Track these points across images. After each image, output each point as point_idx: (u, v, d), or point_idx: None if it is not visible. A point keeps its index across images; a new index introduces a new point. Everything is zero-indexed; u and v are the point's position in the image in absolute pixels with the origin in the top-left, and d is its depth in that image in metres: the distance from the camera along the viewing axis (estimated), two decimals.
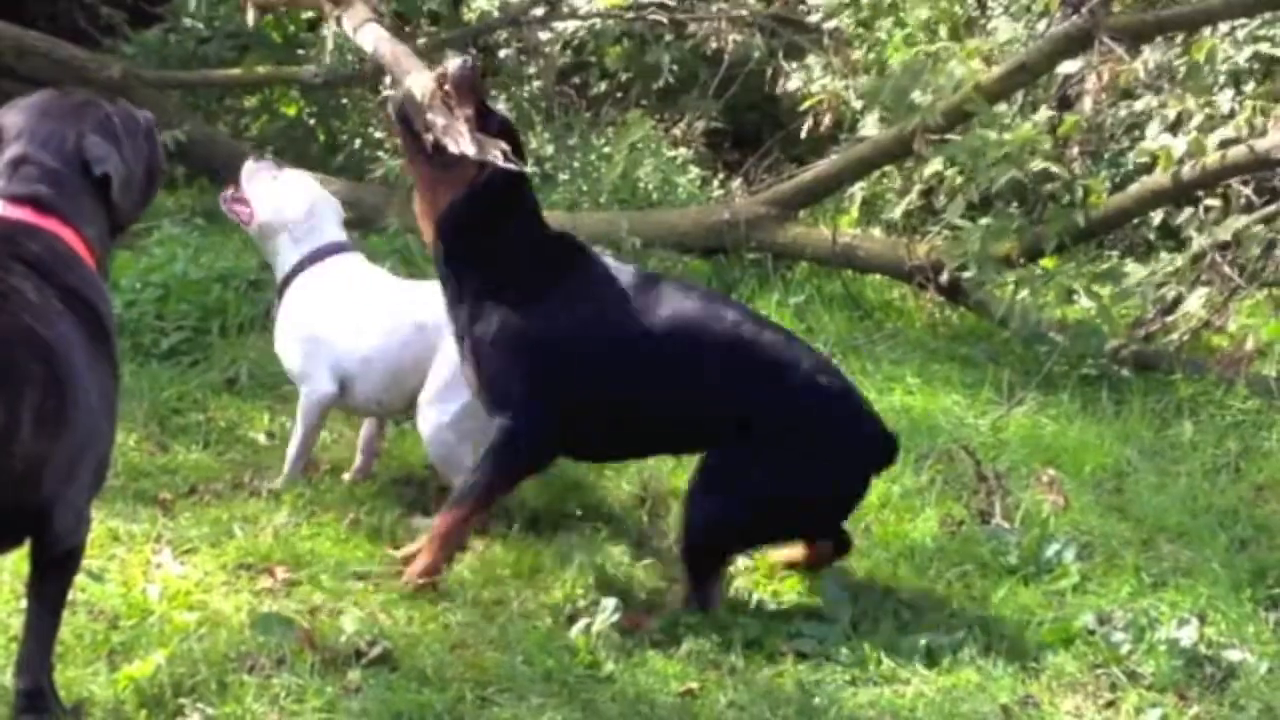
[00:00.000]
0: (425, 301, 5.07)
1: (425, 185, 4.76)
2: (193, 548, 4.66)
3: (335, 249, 5.36)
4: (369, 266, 5.47)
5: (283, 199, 5.35)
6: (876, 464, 4.80)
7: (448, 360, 4.93)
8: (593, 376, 4.65)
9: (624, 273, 4.78)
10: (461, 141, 4.50)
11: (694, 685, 4.14)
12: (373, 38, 4.76)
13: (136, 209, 3.96)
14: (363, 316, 5.16)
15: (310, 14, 9.06)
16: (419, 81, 4.56)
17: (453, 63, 4.78)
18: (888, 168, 8.33)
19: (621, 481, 5.39)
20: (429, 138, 4.60)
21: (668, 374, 4.63)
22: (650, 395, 4.64)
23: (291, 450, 5.17)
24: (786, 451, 4.57)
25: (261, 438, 5.57)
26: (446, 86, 4.69)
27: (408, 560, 4.64)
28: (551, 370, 4.63)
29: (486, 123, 4.68)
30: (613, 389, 4.64)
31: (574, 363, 4.64)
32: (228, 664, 3.95)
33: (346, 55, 8.88)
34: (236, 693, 3.85)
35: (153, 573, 4.47)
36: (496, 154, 4.51)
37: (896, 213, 7.69)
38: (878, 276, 8.07)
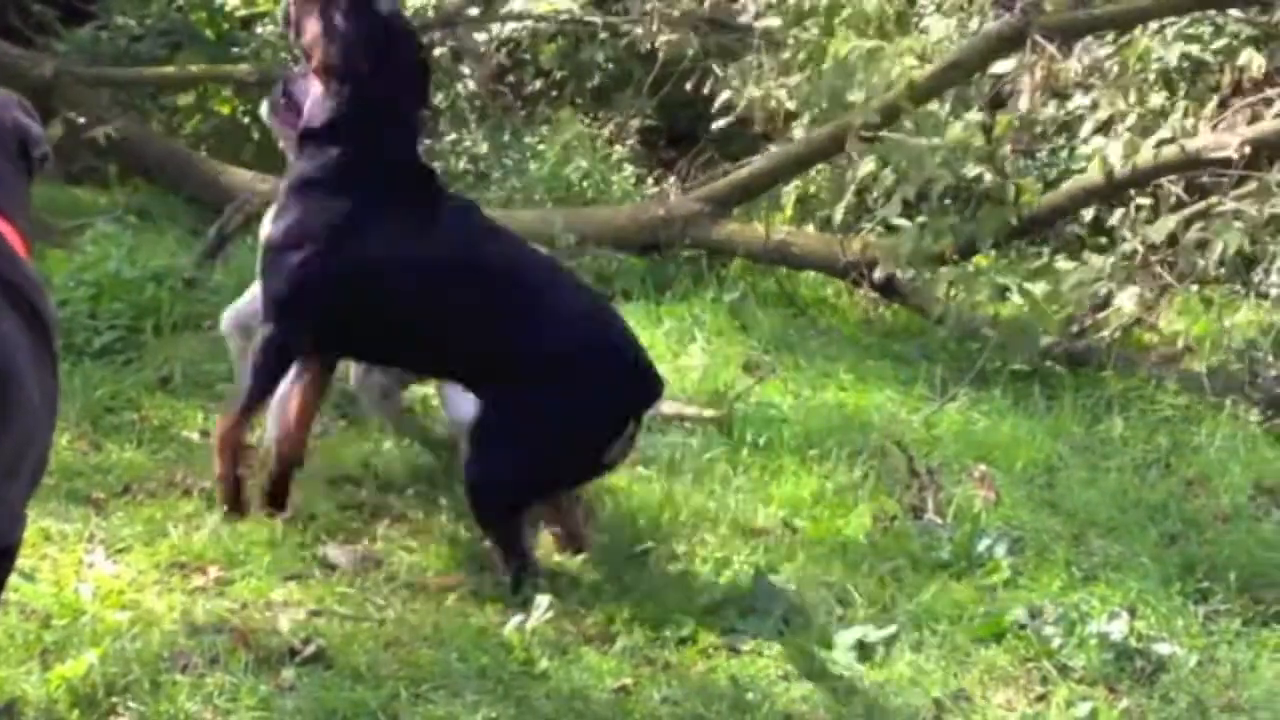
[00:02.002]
0: None
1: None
2: (126, 547, 4.62)
3: None
4: None
5: None
6: (641, 401, 4.76)
7: None
8: (368, 295, 4.68)
9: (454, 215, 4.82)
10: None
11: (628, 681, 4.15)
12: None
13: None
14: None
15: (244, 12, 9.06)
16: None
17: None
18: (823, 165, 8.37)
19: None
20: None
21: (439, 301, 4.66)
22: (422, 319, 4.69)
23: None
24: (553, 394, 4.59)
25: (195, 436, 5.54)
26: None
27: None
28: (314, 282, 4.69)
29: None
30: (387, 309, 4.69)
31: (347, 278, 4.68)
32: (161, 663, 3.92)
33: (281, 53, 8.87)
34: (169, 692, 3.82)
35: (85, 572, 4.43)
36: None
37: (836, 214, 7.71)
38: (812, 273, 8.12)
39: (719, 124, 9.11)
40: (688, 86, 9.75)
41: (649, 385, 4.77)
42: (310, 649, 4.06)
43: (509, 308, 4.66)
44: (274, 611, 4.30)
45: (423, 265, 4.68)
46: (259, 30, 9.53)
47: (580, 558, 4.80)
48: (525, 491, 4.69)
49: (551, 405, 4.58)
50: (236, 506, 4.80)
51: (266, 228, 4.89)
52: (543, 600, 4.39)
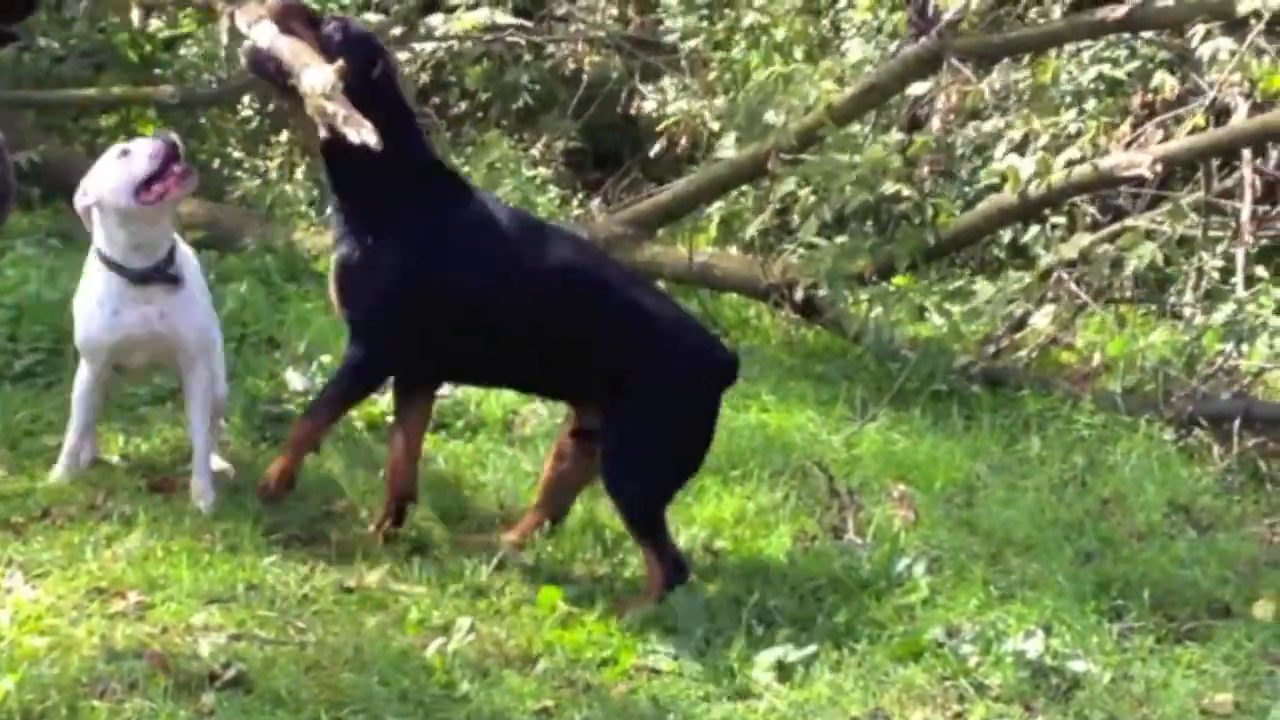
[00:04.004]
0: None
1: (300, 121, 4.89)
2: (44, 572, 4.60)
3: None
4: None
5: None
6: (728, 382, 5.12)
7: None
8: (456, 311, 4.84)
9: (502, 212, 5.04)
10: (363, 131, 4.53)
11: (549, 703, 4.17)
12: (269, 34, 4.78)
13: None
14: None
15: (168, 33, 9.03)
16: (319, 74, 4.59)
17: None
18: (745, 187, 8.43)
19: (478, 500, 5.42)
20: (328, 124, 4.62)
21: (541, 319, 4.86)
22: (522, 336, 4.87)
23: None
24: (665, 397, 4.88)
25: (116, 460, 5.52)
26: (282, 20, 4.80)
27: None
28: (408, 302, 4.82)
29: (328, 42, 4.78)
30: (476, 325, 4.85)
31: (438, 296, 4.82)
32: (79, 689, 3.91)
33: (204, 75, 8.85)
34: (88, 718, 3.82)
35: (3, 598, 4.41)
36: (369, 138, 4.54)
37: (750, 231, 7.77)
38: (734, 295, 8.17)
39: (650, 149, 9.17)
40: (619, 109, 9.83)
41: (736, 363, 5.09)
42: (230, 673, 4.06)
43: (604, 310, 4.92)
44: (194, 636, 4.29)
45: (511, 271, 4.87)
46: (182, 52, 9.51)
47: (507, 576, 4.82)
48: (669, 492, 5.02)
49: (668, 408, 4.90)
50: (276, 497, 4.97)
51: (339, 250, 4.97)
52: (464, 622, 4.41)
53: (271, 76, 4.84)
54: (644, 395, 4.85)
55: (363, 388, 5.05)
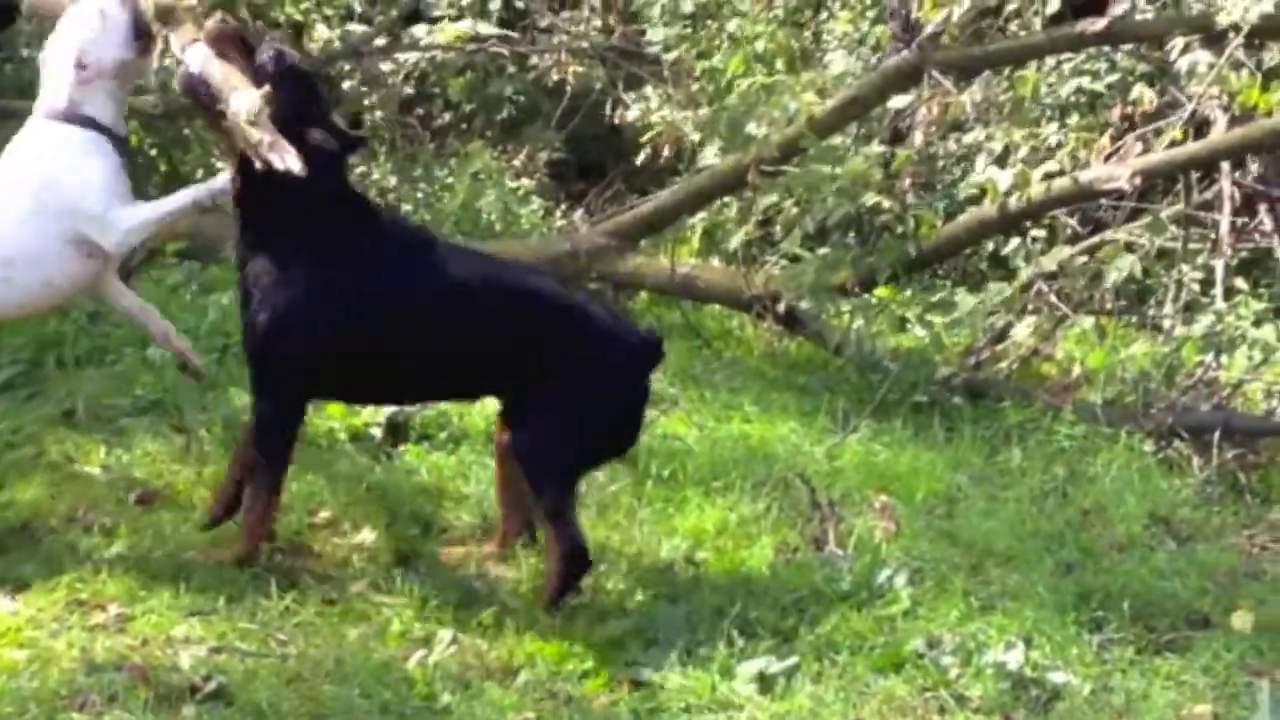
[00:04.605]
0: None
1: (228, 148, 4.91)
2: (24, 584, 4.61)
3: None
4: None
5: None
6: (655, 362, 5.12)
7: None
8: (366, 335, 4.84)
9: (404, 233, 5.07)
10: (287, 158, 4.54)
11: (530, 715, 4.18)
12: (200, 57, 4.79)
13: None
14: None
15: None
16: (245, 100, 4.60)
17: (209, 25, 4.87)
18: (728, 198, 8.45)
19: (461, 512, 5.42)
20: (253, 149, 4.63)
21: (446, 328, 4.87)
22: (429, 348, 4.89)
23: None
24: (571, 378, 4.90)
25: (97, 472, 5.52)
26: (216, 44, 4.80)
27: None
28: (311, 336, 4.79)
29: (260, 70, 4.78)
30: (388, 345, 4.86)
31: (344, 322, 4.81)
32: (58, 702, 3.92)
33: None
34: None
35: None
36: (293, 164, 4.55)
37: (733, 243, 7.79)
38: (717, 306, 8.18)
39: (633, 160, 9.19)
40: (605, 117, 9.84)
41: (658, 346, 5.10)
42: (211, 686, 4.06)
43: (509, 309, 4.93)
44: (175, 648, 4.29)
45: (408, 299, 4.86)
46: (165, 62, 9.49)
47: (489, 588, 4.83)
48: (576, 473, 4.98)
49: (575, 388, 4.89)
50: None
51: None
52: (445, 634, 4.42)
53: (201, 100, 4.81)
54: (551, 377, 4.87)
55: (285, 443, 4.92)
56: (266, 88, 4.64)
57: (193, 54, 4.84)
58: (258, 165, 4.60)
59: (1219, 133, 7.73)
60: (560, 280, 5.26)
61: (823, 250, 7.81)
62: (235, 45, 4.85)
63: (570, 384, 4.88)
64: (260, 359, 4.86)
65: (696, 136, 8.81)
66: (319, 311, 4.79)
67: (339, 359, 4.84)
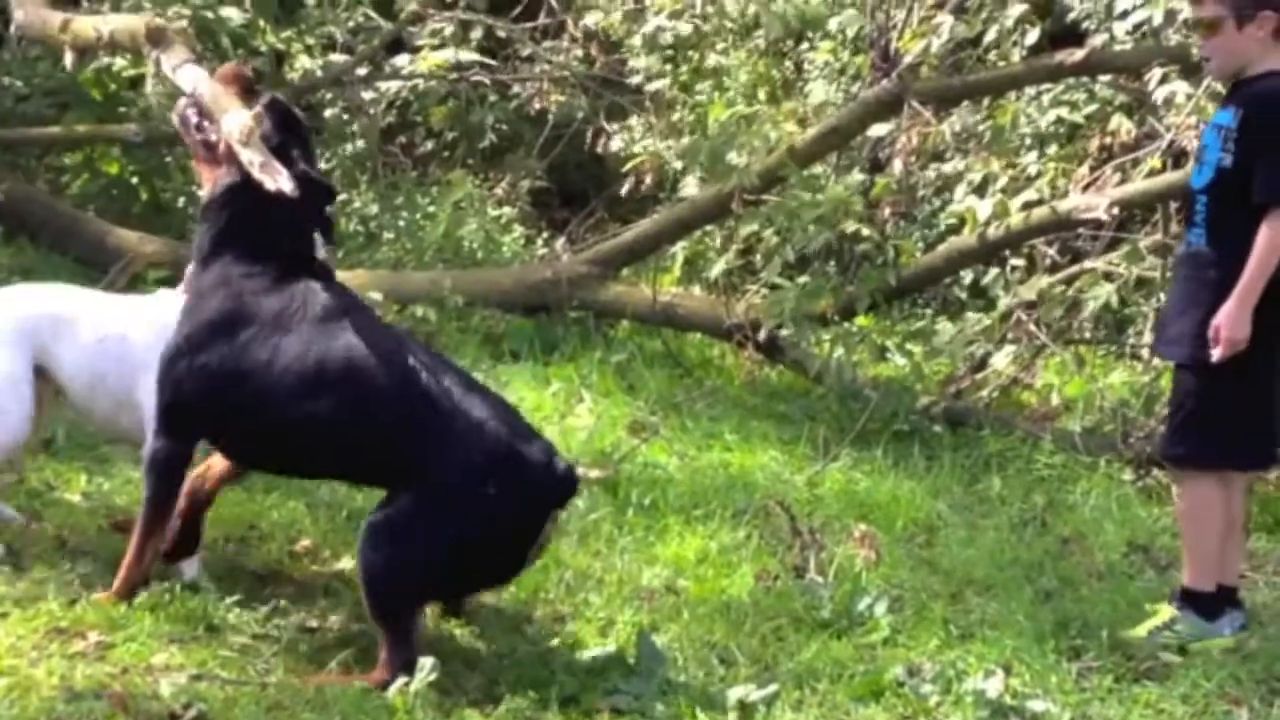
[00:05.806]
0: None
1: (207, 176, 4.82)
2: (4, 612, 4.59)
3: None
4: None
5: None
6: (555, 501, 4.59)
7: None
8: (254, 398, 4.59)
9: (319, 299, 4.66)
10: (280, 179, 4.53)
11: None
12: (192, 78, 4.81)
13: None
14: None
15: (132, 72, 9.02)
16: (237, 119, 4.61)
17: (225, 67, 4.92)
18: (709, 227, 8.48)
19: None
20: (251, 171, 4.62)
21: (336, 407, 4.55)
22: (315, 425, 4.57)
23: None
24: (460, 499, 4.43)
25: (77, 499, 5.51)
26: (223, 82, 4.79)
27: None
28: (198, 371, 4.62)
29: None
30: (274, 413, 4.59)
31: (215, 369, 4.60)
32: None
33: (169, 113, 8.82)
34: None
35: None
36: (285, 185, 4.54)
37: (714, 272, 7.82)
38: (698, 335, 8.21)
39: (616, 188, 9.22)
40: (587, 146, 9.88)
41: (568, 482, 4.59)
42: (191, 713, 4.05)
43: (420, 414, 4.51)
44: (155, 676, 4.27)
45: (302, 366, 4.57)
46: (146, 90, 9.51)
47: (462, 620, 4.83)
48: (422, 595, 4.55)
49: (444, 508, 4.43)
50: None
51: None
52: (426, 662, 4.40)
53: (188, 124, 4.82)
54: (422, 489, 4.43)
55: (167, 476, 4.72)
56: (258, 108, 4.65)
57: (185, 74, 4.86)
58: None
59: None
60: (462, 380, 4.62)
61: (803, 279, 7.83)
62: (239, 84, 4.83)
63: (439, 502, 4.43)
64: (159, 383, 4.72)
65: (678, 165, 8.85)
66: (206, 349, 4.62)
67: (209, 405, 4.63)
